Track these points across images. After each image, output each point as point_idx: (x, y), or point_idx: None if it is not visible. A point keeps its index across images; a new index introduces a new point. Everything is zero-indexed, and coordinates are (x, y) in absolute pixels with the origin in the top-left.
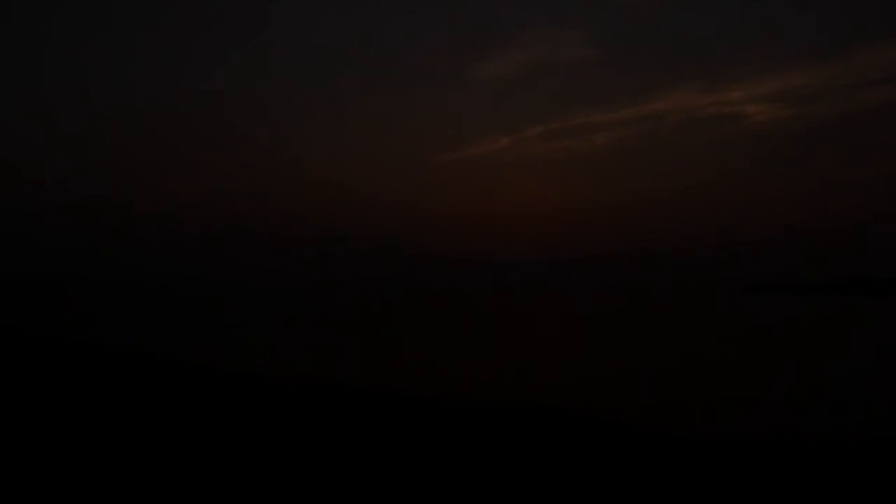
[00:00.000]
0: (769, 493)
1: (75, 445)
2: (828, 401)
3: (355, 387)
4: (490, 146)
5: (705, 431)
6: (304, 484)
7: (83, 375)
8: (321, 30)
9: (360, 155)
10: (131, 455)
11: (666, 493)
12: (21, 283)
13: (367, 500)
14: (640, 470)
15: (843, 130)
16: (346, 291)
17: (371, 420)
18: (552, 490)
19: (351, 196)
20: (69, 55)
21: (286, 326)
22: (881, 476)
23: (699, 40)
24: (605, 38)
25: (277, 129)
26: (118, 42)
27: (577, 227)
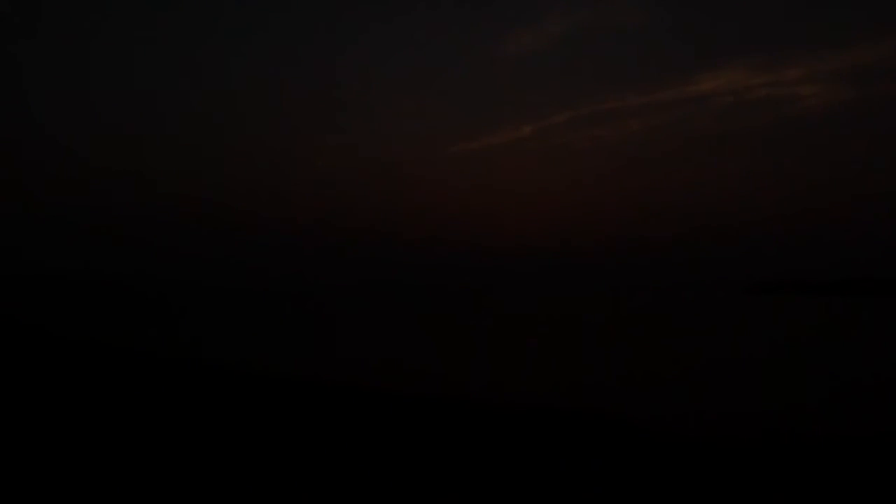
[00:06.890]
0: (768, 495)
1: (80, 445)
2: (827, 401)
3: (358, 387)
4: (511, 135)
5: (704, 432)
6: (306, 483)
7: (90, 375)
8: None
9: (366, 148)
10: (135, 454)
11: (666, 495)
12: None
13: (369, 499)
14: (640, 471)
15: None
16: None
17: (374, 420)
18: (552, 490)
19: (355, 190)
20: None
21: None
22: (882, 476)
23: (754, 8)
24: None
25: (287, 119)
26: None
27: (596, 222)
